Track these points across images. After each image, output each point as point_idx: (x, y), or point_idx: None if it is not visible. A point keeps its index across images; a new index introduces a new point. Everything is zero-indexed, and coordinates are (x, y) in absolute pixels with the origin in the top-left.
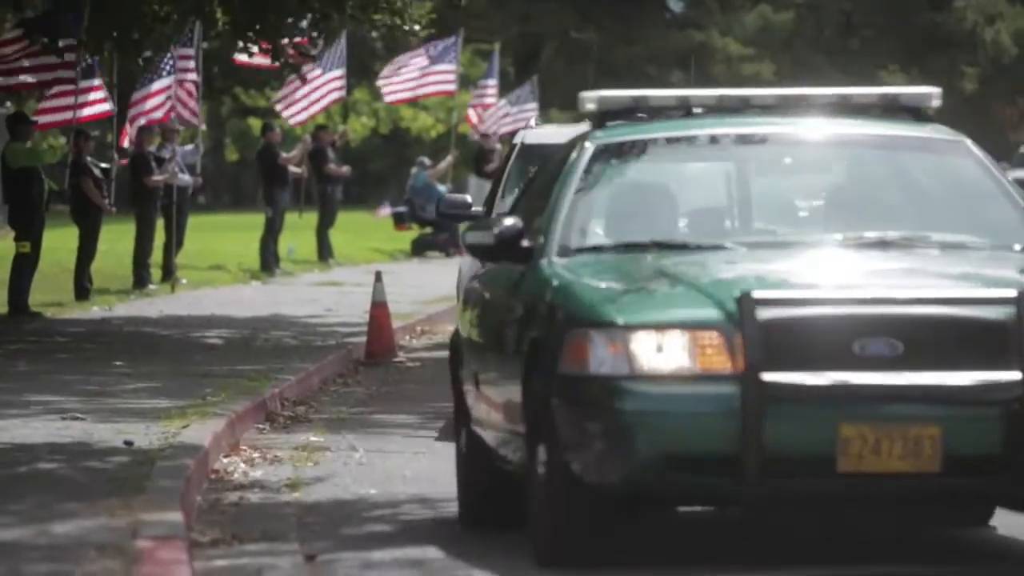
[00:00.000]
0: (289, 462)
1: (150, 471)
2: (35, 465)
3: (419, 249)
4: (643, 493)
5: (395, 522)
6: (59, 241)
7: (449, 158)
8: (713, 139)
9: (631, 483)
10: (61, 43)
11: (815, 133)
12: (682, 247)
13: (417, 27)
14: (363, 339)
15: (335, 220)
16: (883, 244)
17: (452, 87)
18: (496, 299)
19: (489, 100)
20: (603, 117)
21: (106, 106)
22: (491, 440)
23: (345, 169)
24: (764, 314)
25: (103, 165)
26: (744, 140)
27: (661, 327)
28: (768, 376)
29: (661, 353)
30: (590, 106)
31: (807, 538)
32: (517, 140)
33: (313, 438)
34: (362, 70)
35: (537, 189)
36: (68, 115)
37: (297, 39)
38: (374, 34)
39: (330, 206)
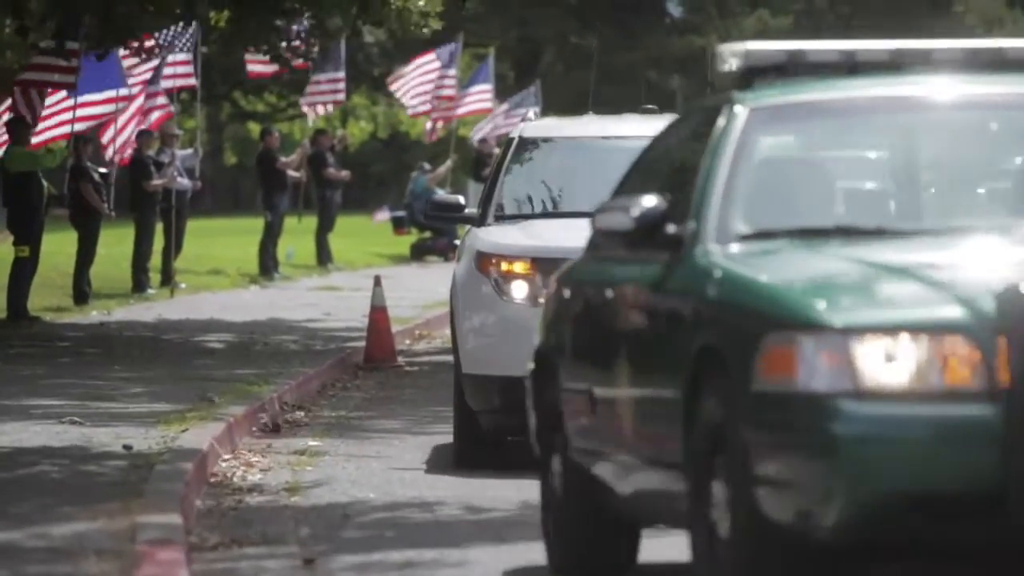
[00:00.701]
0: (288, 466)
1: (149, 475)
2: (34, 469)
3: (418, 253)
4: (868, 542)
5: (394, 526)
6: (58, 245)
7: (448, 163)
8: (893, 101)
9: (852, 530)
10: (66, 46)
11: (1019, 94)
12: (877, 233)
13: (430, 20)
14: (362, 343)
15: (334, 224)
16: None
17: (452, 92)
18: (625, 299)
19: (464, 110)
20: (749, 76)
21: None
22: (608, 472)
23: (344, 173)
24: None
25: (102, 169)
26: (930, 103)
27: (891, 330)
28: None
29: (892, 363)
30: (733, 62)
31: None
32: (515, 133)
33: (312, 442)
34: (360, 74)
35: (662, 165)
36: (66, 128)
37: (296, 42)
38: (369, 39)
39: (329, 210)
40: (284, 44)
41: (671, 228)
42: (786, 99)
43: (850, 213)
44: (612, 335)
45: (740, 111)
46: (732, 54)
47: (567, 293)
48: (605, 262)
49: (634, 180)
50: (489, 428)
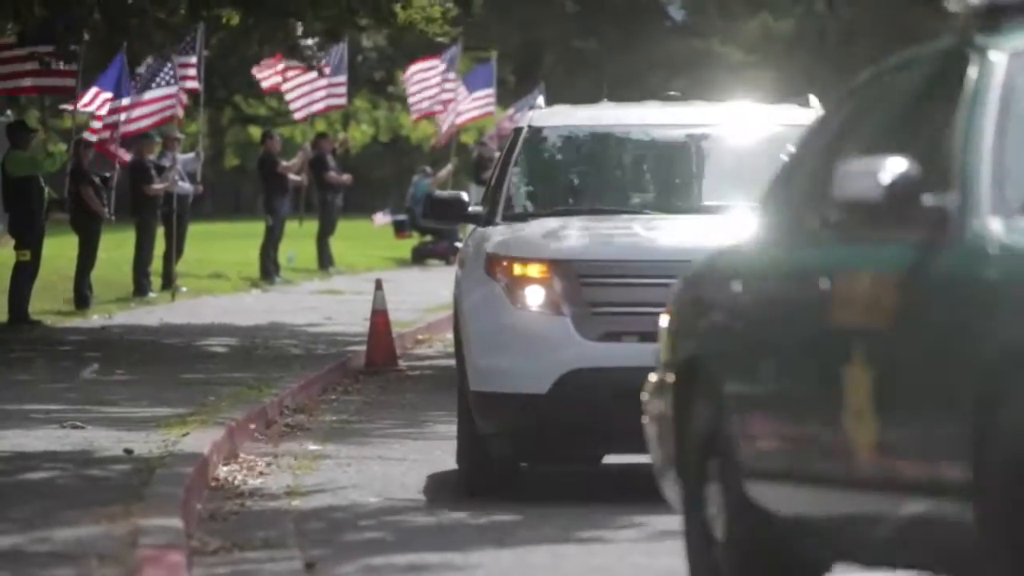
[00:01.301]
0: (289, 470)
1: (150, 479)
2: (36, 473)
3: (419, 257)
4: None
5: (394, 529)
6: (59, 249)
7: (449, 166)
8: None
9: None
10: (58, 50)
11: None
12: None
13: (445, 26)
14: (363, 347)
15: (335, 228)
16: None
17: (452, 96)
18: (859, 289)
19: (468, 116)
20: (995, 15)
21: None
22: (813, 499)
23: (345, 177)
24: None
25: (104, 174)
26: None
27: None
28: None
29: None
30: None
31: None
32: (524, 122)
33: (313, 446)
34: (361, 78)
35: (880, 126)
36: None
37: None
38: (367, 43)
39: (330, 214)
40: (299, 45)
41: (929, 199)
42: None
43: None
44: (835, 334)
45: (997, 57)
46: None
47: (736, 287)
48: (801, 247)
49: (830, 146)
50: (501, 454)
